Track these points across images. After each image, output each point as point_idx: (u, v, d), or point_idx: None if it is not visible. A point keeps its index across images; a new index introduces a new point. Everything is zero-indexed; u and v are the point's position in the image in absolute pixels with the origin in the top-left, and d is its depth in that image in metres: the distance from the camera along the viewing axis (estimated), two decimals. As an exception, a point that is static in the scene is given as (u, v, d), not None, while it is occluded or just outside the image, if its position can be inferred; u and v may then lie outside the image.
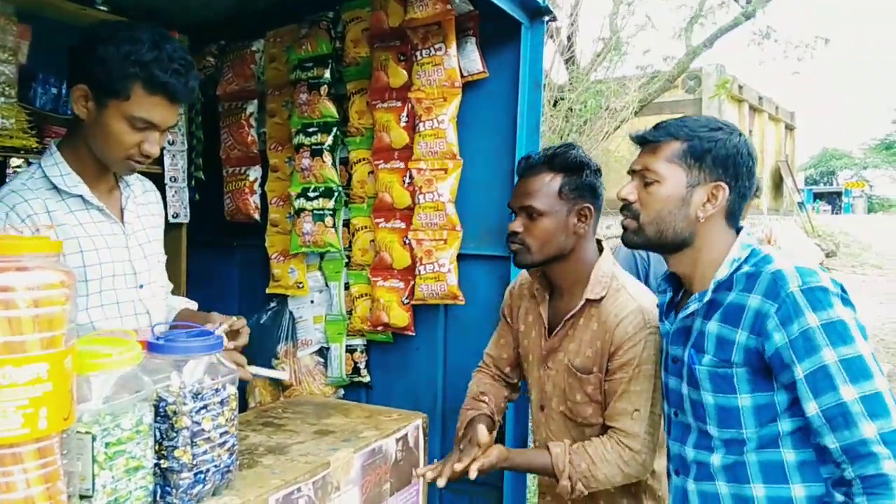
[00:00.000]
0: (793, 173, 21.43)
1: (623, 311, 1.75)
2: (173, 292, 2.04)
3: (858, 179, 46.61)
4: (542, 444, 1.93)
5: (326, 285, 2.97)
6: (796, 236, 15.20)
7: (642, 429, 1.72)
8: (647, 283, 2.75)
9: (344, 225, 2.88)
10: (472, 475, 1.66)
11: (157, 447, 1.21)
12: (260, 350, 3.04)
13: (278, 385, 3.08)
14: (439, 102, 2.54)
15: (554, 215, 1.79)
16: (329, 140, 2.82)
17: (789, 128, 22.77)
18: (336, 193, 2.83)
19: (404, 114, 2.65)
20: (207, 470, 1.26)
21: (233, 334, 1.69)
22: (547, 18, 2.53)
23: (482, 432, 1.73)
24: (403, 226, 2.68)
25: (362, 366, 2.88)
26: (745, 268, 1.41)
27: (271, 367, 3.05)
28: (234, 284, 3.37)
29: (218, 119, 3.24)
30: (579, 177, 1.81)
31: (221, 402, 1.28)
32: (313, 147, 2.84)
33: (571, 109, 8.16)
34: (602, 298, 1.80)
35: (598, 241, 1.91)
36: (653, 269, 2.75)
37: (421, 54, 2.57)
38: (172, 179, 3.17)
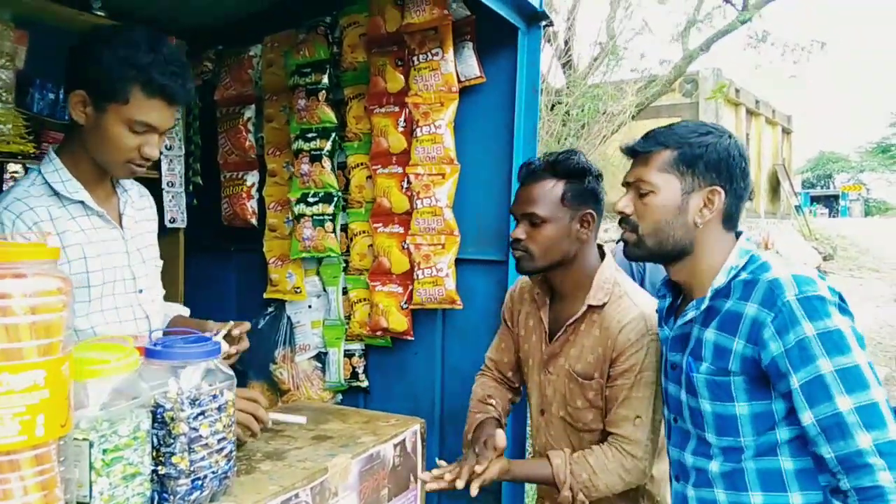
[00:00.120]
0: (790, 177, 21.47)
1: (626, 318, 1.75)
2: (171, 298, 2.03)
3: (855, 183, 46.67)
4: (542, 451, 1.94)
5: (324, 290, 2.97)
6: (793, 240, 15.21)
7: (644, 435, 1.72)
8: (642, 287, 2.74)
9: (342, 230, 2.88)
10: (473, 492, 1.66)
11: (154, 453, 1.20)
12: (258, 355, 3.04)
13: (276, 390, 3.08)
14: (437, 107, 2.55)
15: (557, 222, 1.79)
16: (328, 145, 2.83)
17: (786, 131, 22.83)
18: (335, 199, 2.83)
19: (402, 119, 2.65)
20: (205, 476, 1.25)
21: (230, 339, 1.69)
22: (544, 23, 2.54)
23: (500, 437, 1.74)
24: (402, 230, 2.68)
25: (360, 371, 2.88)
26: (743, 275, 1.41)
27: (269, 372, 3.05)
28: (231, 289, 3.37)
29: (215, 124, 3.24)
30: (581, 183, 1.81)
31: (219, 408, 1.27)
32: (312, 152, 2.85)
33: (569, 114, 8.18)
34: (604, 304, 1.79)
35: (600, 247, 1.91)
36: (648, 275, 2.75)
37: (418, 59, 2.57)
38: (169, 184, 3.17)
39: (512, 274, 2.48)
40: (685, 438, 1.53)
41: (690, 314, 1.48)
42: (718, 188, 1.42)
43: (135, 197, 1.81)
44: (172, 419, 1.19)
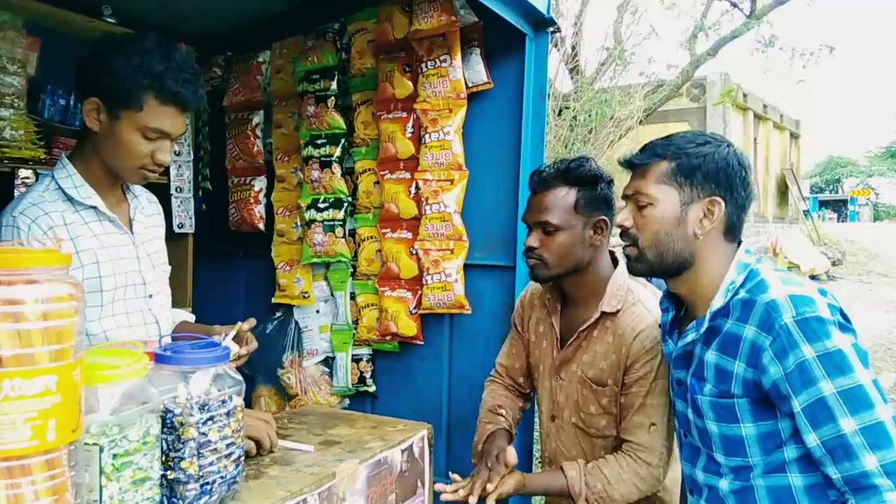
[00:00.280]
0: (798, 181, 21.39)
1: (640, 325, 1.75)
2: (179, 303, 2.05)
3: (864, 187, 46.42)
4: (552, 457, 1.94)
5: (332, 295, 2.98)
6: (802, 244, 15.14)
7: (659, 443, 1.72)
8: None
9: (349, 235, 2.89)
10: None
11: (163, 458, 1.21)
12: (266, 360, 3.05)
13: (284, 395, 3.08)
14: (445, 114, 2.55)
15: (570, 229, 1.79)
16: (338, 151, 2.84)
17: (794, 136, 22.75)
18: (345, 204, 2.84)
19: (410, 124, 2.66)
20: (214, 481, 1.26)
21: (239, 340, 1.70)
22: (551, 29, 2.54)
23: (511, 453, 1.74)
24: (410, 236, 2.69)
25: (368, 375, 2.88)
26: (742, 293, 1.38)
27: (276, 376, 3.06)
28: (239, 294, 3.38)
29: (224, 129, 3.26)
30: (594, 189, 1.80)
31: (228, 414, 1.28)
32: (322, 159, 2.86)
33: (576, 118, 8.17)
34: (618, 311, 1.79)
35: (612, 253, 1.91)
36: (653, 281, 2.74)
37: (426, 66, 2.58)
38: (178, 190, 3.19)
39: (519, 280, 2.49)
40: (696, 454, 1.52)
41: (690, 336, 1.46)
42: (718, 198, 1.40)
43: (144, 203, 1.83)
44: (182, 424, 1.20)
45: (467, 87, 2.56)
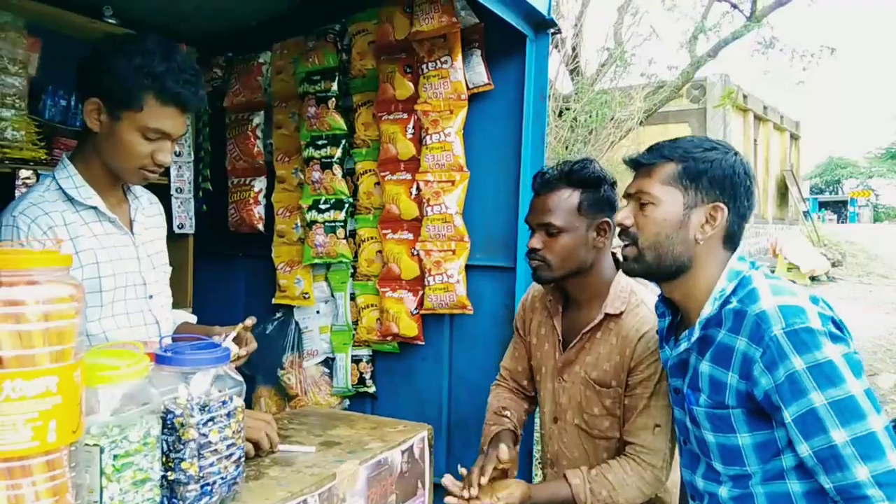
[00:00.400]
0: (798, 182, 21.39)
1: (644, 327, 1.75)
2: (179, 303, 2.05)
3: (864, 188, 46.41)
4: (554, 459, 1.94)
5: (332, 296, 2.98)
6: (802, 246, 15.14)
7: (663, 444, 1.72)
8: None
9: (350, 235, 2.89)
10: None
11: (164, 459, 1.21)
12: (266, 361, 3.05)
13: (284, 395, 3.09)
14: (446, 115, 2.56)
15: (573, 231, 1.79)
16: (338, 153, 2.84)
17: (794, 137, 22.76)
18: (346, 205, 2.85)
19: (410, 125, 2.67)
20: (214, 482, 1.26)
21: (239, 340, 1.70)
22: (552, 31, 2.54)
23: (503, 451, 1.73)
24: (411, 237, 2.69)
25: (368, 376, 2.88)
26: (733, 302, 1.37)
27: (276, 377, 3.06)
28: (239, 295, 3.38)
29: (224, 130, 3.26)
30: (597, 191, 1.80)
31: (228, 415, 1.28)
32: (323, 160, 2.86)
33: (577, 120, 8.18)
34: (622, 313, 1.79)
35: (614, 255, 1.91)
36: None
37: (427, 67, 2.58)
38: (178, 190, 3.19)
39: (520, 281, 2.49)
40: (695, 462, 1.52)
41: (683, 345, 1.46)
42: (721, 205, 1.39)
43: (145, 204, 1.83)
44: (182, 425, 1.20)
45: (468, 88, 2.56)
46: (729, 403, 1.36)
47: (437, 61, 2.56)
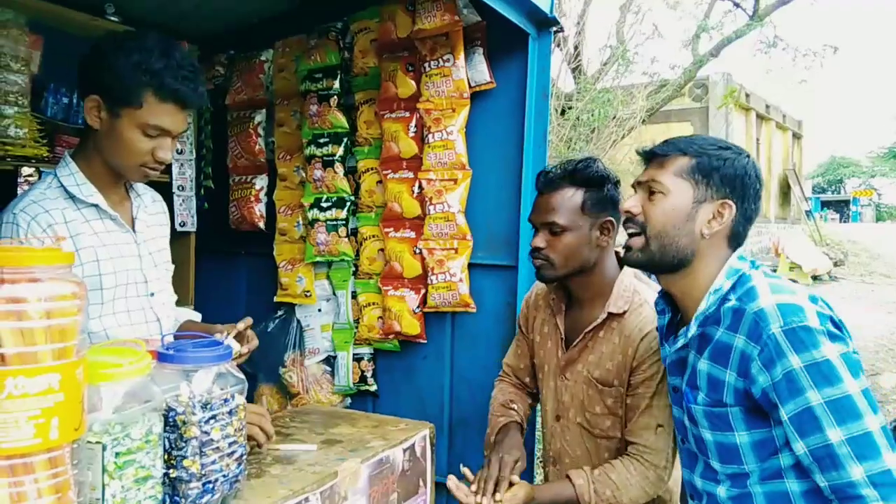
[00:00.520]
0: (800, 181, 21.37)
1: (647, 327, 1.76)
2: (181, 301, 2.04)
3: (867, 188, 46.34)
4: (556, 457, 1.94)
5: (334, 294, 2.98)
6: (804, 245, 15.12)
7: (666, 444, 1.72)
8: None
9: (351, 234, 2.89)
10: None
11: (166, 457, 1.21)
12: (267, 359, 3.05)
13: (285, 393, 3.09)
14: (448, 113, 2.56)
15: (577, 230, 1.79)
16: (340, 151, 2.84)
17: (797, 136, 22.72)
18: (348, 203, 2.85)
19: (413, 124, 2.66)
20: (216, 479, 1.26)
21: (240, 338, 1.70)
22: (554, 29, 2.54)
23: (515, 465, 1.76)
24: (413, 235, 2.69)
25: (369, 374, 2.88)
26: (732, 300, 1.38)
27: (278, 375, 3.06)
28: (241, 293, 3.38)
29: (226, 128, 3.26)
30: (601, 190, 1.80)
31: (230, 412, 1.28)
32: (325, 158, 2.86)
33: (579, 118, 8.17)
34: (625, 312, 1.80)
35: (618, 254, 1.90)
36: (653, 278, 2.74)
37: (429, 65, 2.58)
38: (180, 188, 3.19)
39: (522, 279, 2.49)
40: (693, 461, 1.52)
41: (681, 341, 1.47)
42: (730, 202, 1.41)
43: (147, 202, 1.83)
44: (184, 423, 1.20)
45: (470, 86, 2.56)
46: (727, 401, 1.36)
47: (440, 59, 2.56)
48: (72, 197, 1.61)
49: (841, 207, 44.70)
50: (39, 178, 2.53)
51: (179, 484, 1.22)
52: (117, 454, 1.09)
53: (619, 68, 9.18)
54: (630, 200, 1.49)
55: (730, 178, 1.41)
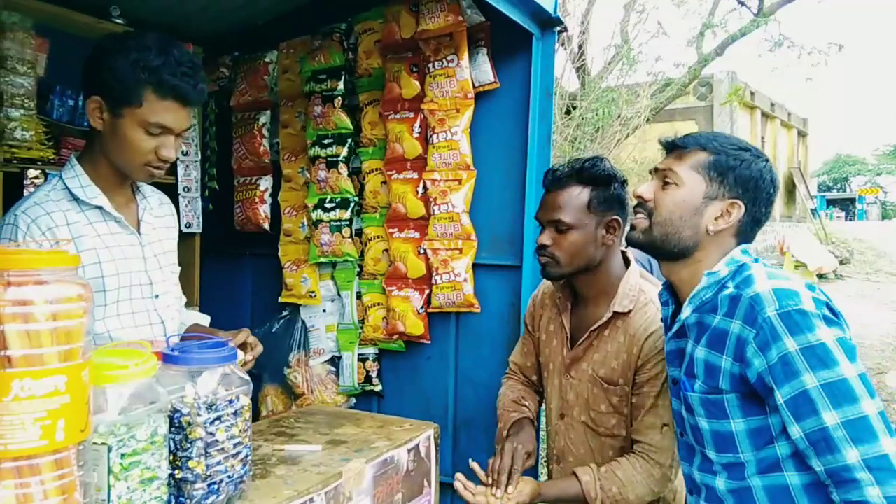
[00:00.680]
0: (805, 180, 21.30)
1: (652, 326, 1.76)
2: (187, 303, 2.04)
3: (872, 186, 46.20)
4: (560, 455, 1.95)
5: (339, 294, 2.98)
6: (809, 243, 15.07)
7: (672, 443, 1.72)
8: None
9: (356, 234, 2.90)
10: None
11: (171, 458, 1.21)
12: (272, 359, 3.06)
13: (290, 394, 3.09)
14: (452, 114, 2.56)
15: (583, 228, 1.79)
16: (344, 151, 2.85)
17: (802, 134, 22.65)
18: (352, 204, 2.85)
19: (417, 124, 2.67)
20: (221, 480, 1.27)
21: (244, 345, 1.70)
22: (558, 29, 2.54)
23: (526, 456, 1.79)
24: (417, 235, 2.69)
25: (374, 375, 2.89)
26: (730, 288, 1.39)
27: (283, 375, 3.07)
28: (246, 293, 3.39)
29: (231, 129, 3.27)
30: (607, 189, 1.81)
31: (235, 413, 1.29)
32: (329, 159, 2.87)
33: (583, 117, 8.16)
34: (630, 311, 1.80)
35: (624, 253, 1.91)
36: (655, 272, 2.74)
37: (433, 66, 2.58)
38: (185, 189, 3.20)
39: (526, 279, 2.49)
40: (691, 453, 1.53)
41: (677, 325, 1.50)
42: (740, 202, 1.42)
43: (154, 204, 1.83)
44: (189, 424, 1.21)
45: (474, 86, 2.56)
46: (723, 387, 1.37)
47: (444, 60, 2.56)
48: (76, 199, 1.62)
49: (846, 205, 44.55)
50: (45, 180, 2.54)
51: (185, 485, 1.22)
52: (123, 455, 1.09)
53: (623, 67, 9.15)
54: (644, 186, 1.52)
55: (744, 180, 1.42)
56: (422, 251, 2.68)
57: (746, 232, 1.46)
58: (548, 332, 2.00)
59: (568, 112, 8.22)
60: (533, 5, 2.36)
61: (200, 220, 3.27)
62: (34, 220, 1.55)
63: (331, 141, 2.87)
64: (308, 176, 2.99)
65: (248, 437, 1.34)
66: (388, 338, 2.79)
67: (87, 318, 0.96)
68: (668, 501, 1.85)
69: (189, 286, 3.15)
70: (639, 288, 1.84)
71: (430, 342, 2.73)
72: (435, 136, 2.60)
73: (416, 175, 2.68)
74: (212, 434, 1.23)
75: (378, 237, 2.83)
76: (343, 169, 2.85)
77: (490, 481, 1.74)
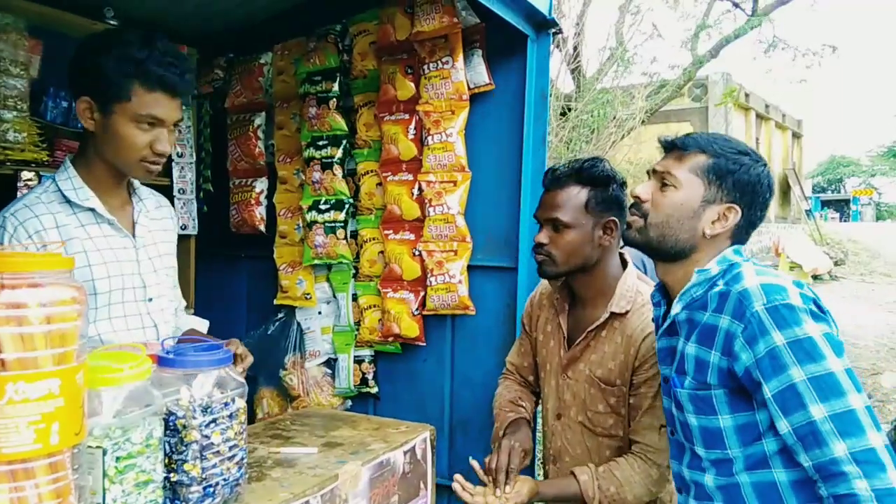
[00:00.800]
0: (800, 181, 21.36)
1: (650, 327, 1.77)
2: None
3: (867, 187, 46.35)
4: (557, 455, 1.95)
5: (334, 296, 2.98)
6: (804, 244, 15.10)
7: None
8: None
9: (351, 236, 2.89)
10: None
11: (166, 461, 1.21)
12: (268, 362, 3.05)
13: (286, 396, 3.09)
14: (447, 115, 2.56)
15: (580, 228, 1.80)
16: (339, 153, 2.84)
17: (796, 135, 22.73)
18: (347, 206, 2.85)
19: (412, 126, 2.67)
20: (216, 483, 1.26)
21: (235, 358, 1.69)
22: (553, 31, 2.54)
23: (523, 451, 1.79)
24: (412, 237, 2.69)
25: (370, 377, 2.88)
26: (720, 285, 1.40)
27: (278, 378, 3.06)
28: (242, 295, 3.38)
29: (226, 131, 3.26)
30: (606, 190, 1.82)
31: (230, 416, 1.28)
32: (324, 160, 2.86)
33: (579, 119, 8.17)
34: (627, 312, 1.81)
35: (621, 255, 1.92)
36: (650, 273, 2.75)
37: (428, 68, 2.58)
38: (181, 191, 3.19)
39: (521, 281, 2.49)
40: (681, 451, 1.54)
41: (668, 322, 1.51)
42: (737, 207, 1.43)
43: (150, 207, 1.82)
44: (184, 427, 1.20)
45: (469, 88, 2.56)
46: (711, 382, 1.38)
47: (439, 62, 2.56)
48: (68, 201, 1.61)
49: (841, 207, 44.69)
50: (39, 182, 2.53)
51: (180, 488, 1.22)
52: (118, 458, 1.09)
53: (618, 69, 9.17)
54: (641, 186, 1.52)
55: (742, 184, 1.43)
56: (417, 253, 2.68)
57: (741, 234, 1.47)
58: (545, 333, 2.01)
59: (563, 114, 8.23)
60: (528, 7, 2.37)
61: (196, 221, 3.26)
62: (21, 223, 1.54)
63: (326, 142, 2.87)
64: (303, 178, 2.99)
65: (244, 439, 1.34)
66: (384, 340, 2.79)
67: (82, 321, 0.95)
68: (664, 502, 1.86)
69: (184, 288, 3.12)
70: (636, 289, 1.85)
71: (425, 344, 2.73)
72: (430, 138, 2.60)
73: (410, 177, 2.68)
74: (207, 437, 1.23)
75: (373, 239, 2.83)
76: (338, 170, 2.84)
77: (488, 480, 1.74)
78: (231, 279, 3.40)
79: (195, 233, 3.25)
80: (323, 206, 2.87)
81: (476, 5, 2.44)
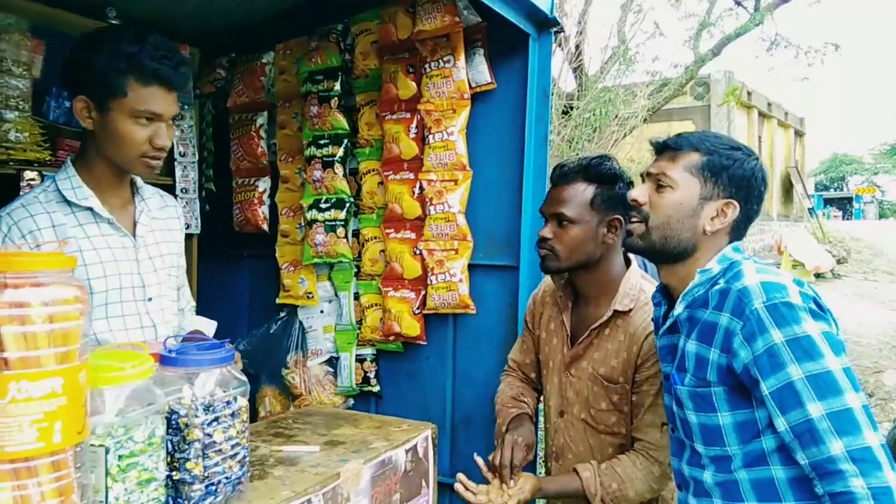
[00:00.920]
0: (803, 179, 21.32)
1: (652, 325, 1.77)
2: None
3: (869, 185, 46.29)
4: (559, 452, 1.96)
5: (336, 295, 2.98)
6: (807, 242, 15.08)
7: None
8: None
9: (353, 235, 2.90)
10: None
11: (169, 459, 1.21)
12: (270, 360, 3.05)
13: (288, 395, 3.09)
14: (449, 114, 2.56)
15: (584, 224, 1.81)
16: (340, 152, 2.85)
17: (799, 133, 22.67)
18: (347, 204, 2.85)
19: (413, 125, 2.67)
20: (219, 482, 1.27)
21: None
22: (554, 30, 2.54)
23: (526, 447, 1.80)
24: (413, 236, 2.69)
25: (372, 375, 2.89)
26: (720, 283, 1.41)
27: (281, 377, 3.07)
28: (244, 294, 3.38)
29: (228, 131, 3.27)
30: (612, 188, 1.83)
31: (233, 414, 1.29)
32: (325, 159, 2.87)
33: (581, 118, 8.17)
34: (630, 311, 1.82)
35: (625, 253, 1.92)
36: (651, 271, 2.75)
37: (430, 66, 2.58)
38: (183, 191, 3.20)
39: (523, 280, 2.49)
40: (681, 448, 1.54)
41: (670, 321, 1.51)
42: (734, 202, 1.44)
43: (154, 206, 1.81)
44: (187, 425, 1.21)
45: (471, 87, 2.57)
46: (710, 379, 1.38)
47: (440, 61, 2.56)
48: (67, 201, 1.61)
49: (843, 205, 44.62)
50: (41, 182, 2.54)
51: (182, 486, 1.22)
52: (120, 457, 1.09)
53: (620, 67, 9.16)
54: (637, 190, 1.52)
55: (737, 179, 1.44)
56: (417, 252, 2.68)
57: (739, 230, 1.48)
58: (548, 330, 2.01)
59: (565, 112, 8.23)
60: (529, 6, 2.37)
61: (198, 221, 3.27)
62: (16, 223, 1.55)
63: (327, 141, 2.87)
64: (304, 176, 2.99)
65: (246, 438, 1.34)
66: (386, 339, 2.79)
67: (84, 320, 0.96)
68: (666, 500, 1.86)
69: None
70: (639, 287, 1.85)
71: (426, 343, 2.73)
72: (431, 137, 2.60)
73: (412, 176, 2.68)
74: (209, 435, 1.23)
75: (375, 238, 2.83)
76: (339, 169, 2.85)
77: (492, 476, 1.75)
78: (233, 278, 3.41)
79: (198, 232, 3.26)
80: (323, 205, 2.87)
81: (478, 4, 2.44)
